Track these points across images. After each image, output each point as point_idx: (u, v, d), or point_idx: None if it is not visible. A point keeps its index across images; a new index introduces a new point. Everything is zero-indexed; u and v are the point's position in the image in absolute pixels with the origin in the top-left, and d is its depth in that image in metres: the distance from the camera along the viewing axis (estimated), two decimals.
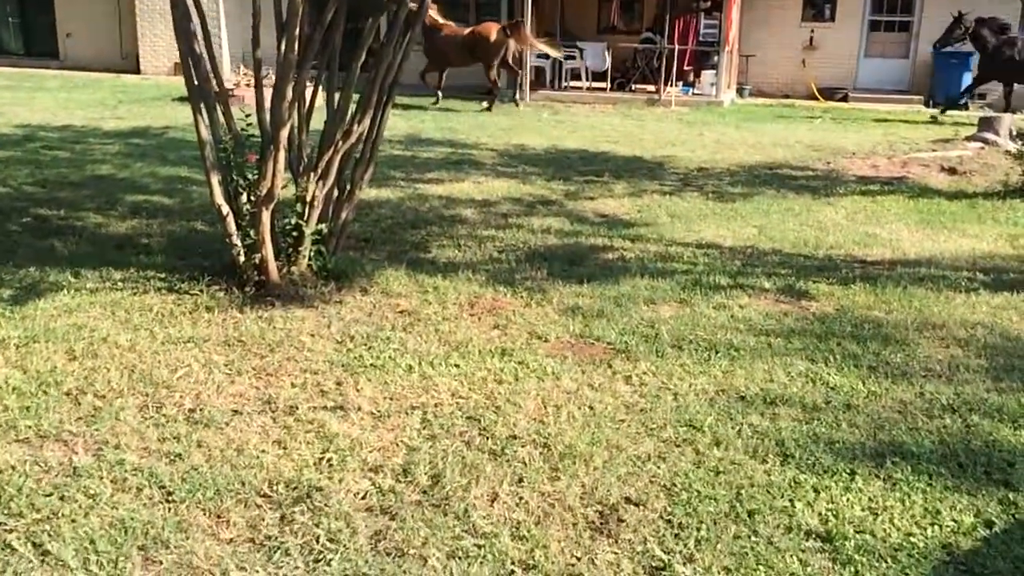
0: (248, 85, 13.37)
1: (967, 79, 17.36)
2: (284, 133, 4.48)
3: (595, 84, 17.44)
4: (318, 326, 4.61)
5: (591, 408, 3.75)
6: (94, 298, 4.86)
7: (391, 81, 5.15)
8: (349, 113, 5.19)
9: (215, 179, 4.76)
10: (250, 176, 4.94)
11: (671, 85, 16.73)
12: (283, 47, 4.41)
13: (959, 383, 4.07)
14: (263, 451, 3.30)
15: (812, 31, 18.61)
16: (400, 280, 5.38)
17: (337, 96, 5.14)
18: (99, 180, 8.11)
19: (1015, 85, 15.13)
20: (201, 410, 3.61)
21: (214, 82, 4.92)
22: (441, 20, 15.00)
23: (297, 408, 3.65)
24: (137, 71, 19.97)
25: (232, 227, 4.89)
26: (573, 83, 17.75)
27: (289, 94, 4.40)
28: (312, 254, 5.16)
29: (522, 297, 5.19)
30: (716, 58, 16.77)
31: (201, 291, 4.97)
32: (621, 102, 16.53)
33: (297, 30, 4.15)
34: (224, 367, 4.06)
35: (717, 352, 4.38)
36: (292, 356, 4.22)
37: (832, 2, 18.53)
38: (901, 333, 4.69)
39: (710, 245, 6.55)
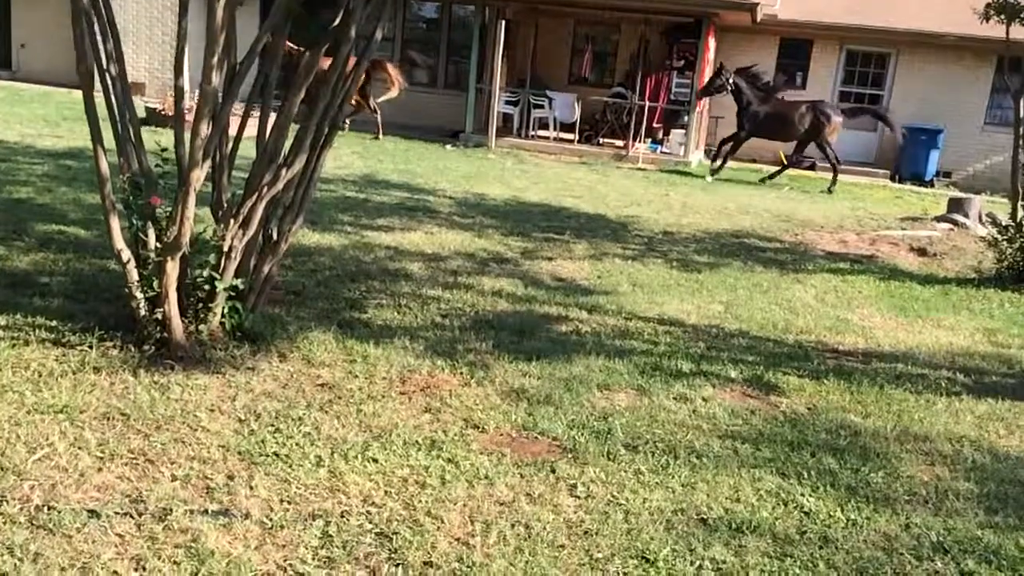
0: None
1: (935, 156, 17.36)
2: (196, 174, 3.89)
3: (563, 135, 17.10)
4: (221, 398, 3.98)
5: (527, 527, 3.16)
6: None
7: (330, 122, 4.59)
8: (282, 155, 4.62)
9: (114, 220, 4.15)
10: (162, 220, 4.35)
11: (639, 141, 16.44)
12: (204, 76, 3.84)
13: (948, 514, 3.56)
14: (114, 572, 2.66)
15: (783, 98, 18.50)
16: (326, 345, 4.77)
17: (268, 134, 4.57)
18: (14, 205, 7.41)
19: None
20: (51, 508, 2.96)
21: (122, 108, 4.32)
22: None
23: (171, 511, 3.01)
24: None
25: (133, 276, 4.26)
26: (540, 132, 17.39)
27: (205, 130, 3.83)
28: (226, 311, 4.54)
29: (462, 374, 4.61)
30: (686, 117, 16.55)
31: (91, 346, 4.32)
32: (588, 155, 16.18)
33: (216, 57, 3.60)
34: (96, 448, 3.41)
35: (677, 458, 3.83)
36: (182, 437, 3.58)
37: (804, 71, 18.49)
38: (881, 445, 4.19)
39: (673, 321, 6.04)
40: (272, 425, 3.77)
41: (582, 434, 3.99)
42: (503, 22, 16.16)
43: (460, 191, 10.95)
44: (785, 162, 17.70)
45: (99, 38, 4.33)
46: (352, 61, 4.65)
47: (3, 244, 6.10)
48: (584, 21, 18.98)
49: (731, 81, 14.80)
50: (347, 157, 13.05)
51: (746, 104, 14.85)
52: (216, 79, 3.70)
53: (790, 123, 14.77)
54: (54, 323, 4.61)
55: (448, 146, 15.85)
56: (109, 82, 4.43)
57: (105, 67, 4.39)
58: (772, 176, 14.99)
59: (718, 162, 15.08)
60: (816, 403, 4.69)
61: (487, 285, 6.50)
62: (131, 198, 4.19)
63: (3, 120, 12.88)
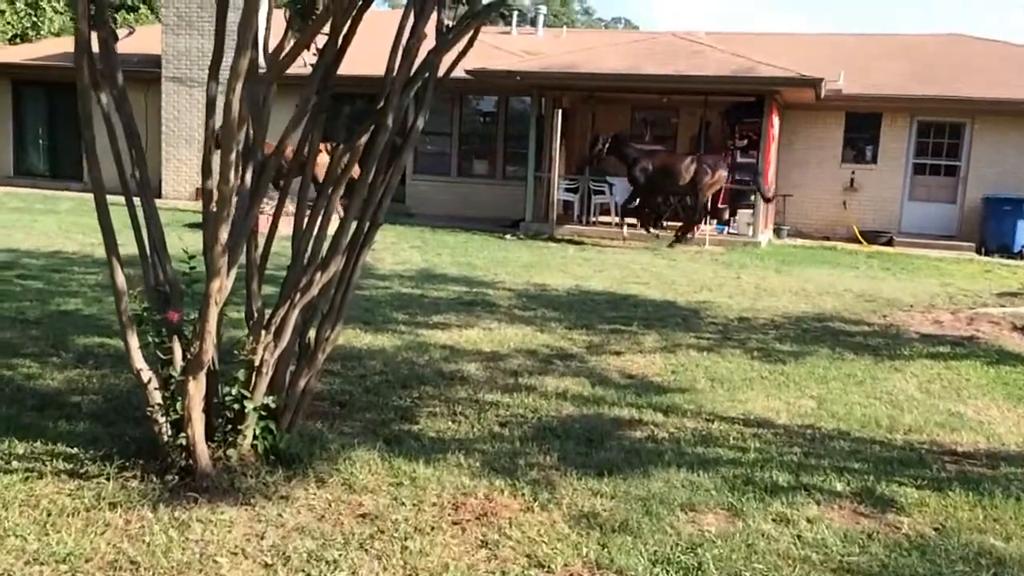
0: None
1: (1022, 226, 16.40)
2: (217, 285, 3.48)
3: (625, 220, 16.66)
4: (247, 537, 3.47)
5: None
6: None
7: (370, 219, 4.18)
8: (320, 258, 4.21)
9: (132, 337, 3.76)
10: (188, 334, 3.95)
11: (705, 223, 15.88)
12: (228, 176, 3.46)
13: None
14: None
15: (853, 172, 17.86)
16: (371, 465, 4.25)
17: (302, 235, 4.17)
18: (59, 317, 7.18)
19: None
20: None
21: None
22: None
23: None
24: (159, 196, 19.63)
25: (155, 397, 3.85)
26: (602, 218, 16.99)
27: (223, 236, 3.42)
28: (258, 432, 4.07)
29: (523, 496, 4.02)
30: (752, 197, 15.97)
31: (109, 477, 3.88)
32: (652, 239, 15.66)
33: (233, 155, 3.21)
34: None
35: None
36: None
37: (874, 144, 17.84)
38: None
39: (761, 423, 5.37)
40: (302, 571, 3.23)
41: (667, 572, 3.35)
42: (559, 111, 16.00)
43: (520, 282, 10.50)
44: (860, 239, 16.94)
45: (122, 144, 4.04)
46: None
47: (39, 361, 5.80)
48: (642, 106, 18.77)
49: (608, 145, 15.27)
50: (405, 252, 12.80)
51: (631, 163, 15.15)
52: (235, 178, 3.31)
53: (676, 175, 14.86)
54: (75, 450, 4.20)
55: (508, 236, 15.54)
56: (134, 188, 4.11)
57: (131, 173, 4.08)
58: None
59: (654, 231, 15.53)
60: (944, 522, 3.96)
61: (551, 386, 5.94)
62: (144, 313, 3.81)
63: (66, 231, 13.01)
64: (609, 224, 16.55)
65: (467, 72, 15.98)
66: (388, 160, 4.13)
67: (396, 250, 12.81)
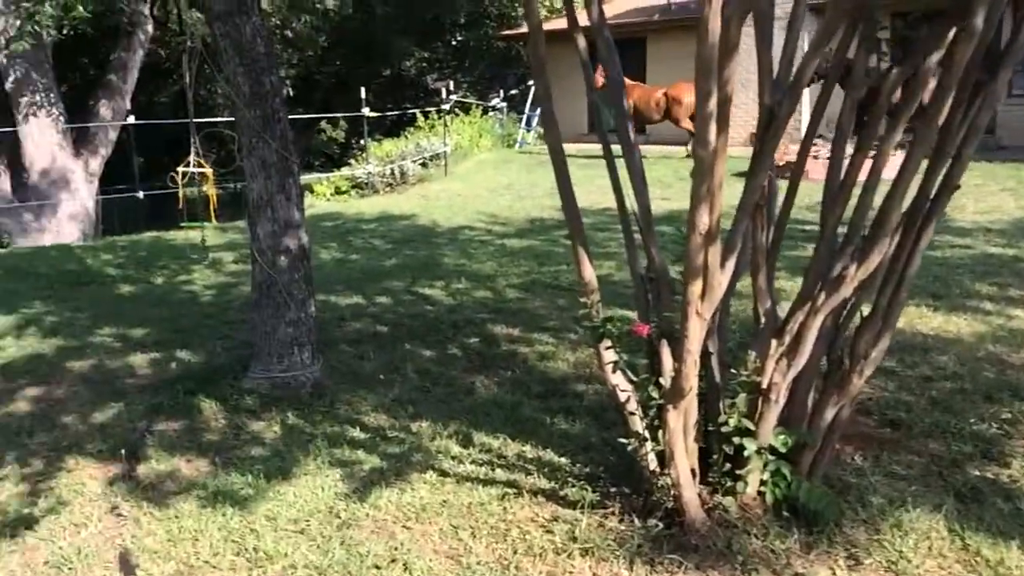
0: (814, 157, 11.35)
1: None
2: (698, 288, 2.46)
3: None
4: None
5: None
6: (453, 494, 3.42)
7: (942, 181, 2.77)
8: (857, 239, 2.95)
9: (602, 347, 3.00)
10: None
11: None
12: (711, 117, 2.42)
13: None
14: None
15: None
16: (932, 540, 2.92)
17: (835, 200, 2.93)
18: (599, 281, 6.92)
19: None
20: None
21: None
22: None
23: None
24: None
25: (636, 423, 3.04)
26: None
27: (702, 221, 2.38)
28: (766, 477, 3.02)
29: None
30: None
31: (587, 508, 3.20)
32: None
33: (712, 100, 2.10)
34: None
35: None
36: None
37: None
38: None
39: None
40: None
41: None
42: None
43: None
44: None
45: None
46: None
47: (557, 336, 5.49)
48: None
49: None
50: (993, 196, 10.31)
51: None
52: (714, 138, 2.23)
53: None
54: (563, 459, 3.66)
55: None
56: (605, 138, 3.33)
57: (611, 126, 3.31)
58: None
59: None
60: None
61: None
62: (604, 323, 2.98)
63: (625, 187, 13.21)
64: None
65: None
66: (974, 86, 2.66)
67: (981, 194, 10.38)
